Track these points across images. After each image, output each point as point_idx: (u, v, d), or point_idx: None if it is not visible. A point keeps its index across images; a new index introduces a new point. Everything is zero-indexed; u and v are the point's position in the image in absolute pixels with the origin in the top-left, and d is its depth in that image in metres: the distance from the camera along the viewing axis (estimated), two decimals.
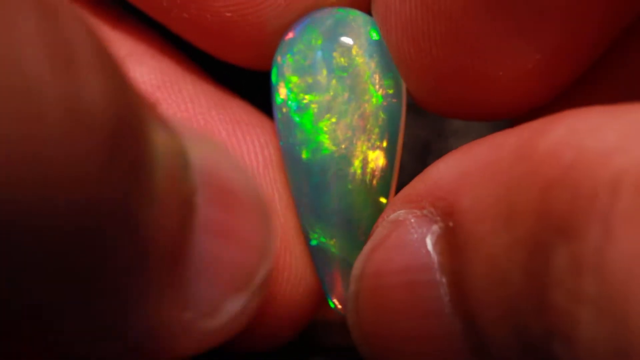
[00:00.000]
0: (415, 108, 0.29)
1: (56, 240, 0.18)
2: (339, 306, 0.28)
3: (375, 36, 0.28)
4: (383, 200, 0.28)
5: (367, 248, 0.26)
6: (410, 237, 0.24)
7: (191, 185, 0.22)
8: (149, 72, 0.29)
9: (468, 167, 0.23)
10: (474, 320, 0.23)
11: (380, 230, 0.26)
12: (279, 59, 0.28)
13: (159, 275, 0.21)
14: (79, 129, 0.17)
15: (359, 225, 0.28)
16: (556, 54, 0.25)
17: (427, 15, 0.26)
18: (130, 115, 0.19)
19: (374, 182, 0.28)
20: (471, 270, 0.22)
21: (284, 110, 0.28)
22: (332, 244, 0.28)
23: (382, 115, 0.28)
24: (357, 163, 0.28)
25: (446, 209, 0.24)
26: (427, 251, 0.24)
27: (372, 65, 0.28)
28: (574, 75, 0.27)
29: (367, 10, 0.29)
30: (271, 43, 0.29)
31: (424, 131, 0.32)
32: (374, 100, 0.28)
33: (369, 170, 0.28)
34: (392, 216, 0.25)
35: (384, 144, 0.28)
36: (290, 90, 0.28)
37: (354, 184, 0.28)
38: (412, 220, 0.25)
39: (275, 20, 0.28)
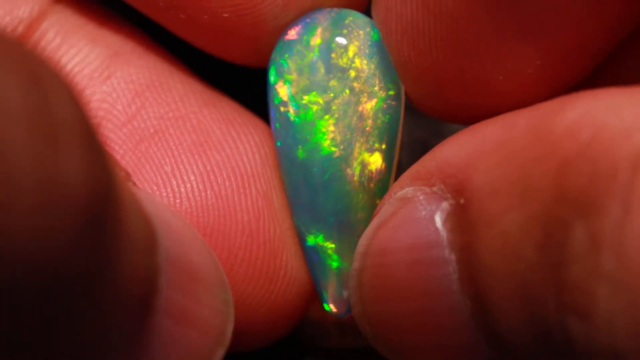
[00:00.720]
0: (413, 109, 0.29)
1: (11, 309, 0.17)
2: (334, 309, 0.28)
3: (374, 37, 0.28)
4: (379, 201, 0.28)
5: (372, 225, 0.26)
6: (418, 214, 0.24)
7: (156, 267, 0.22)
8: (136, 71, 0.29)
9: (480, 145, 0.23)
10: (483, 298, 0.23)
11: (387, 207, 0.26)
12: (277, 58, 0.28)
13: (117, 354, 0.20)
14: (52, 202, 0.17)
15: (356, 227, 0.28)
16: (557, 59, 0.25)
17: (428, 18, 0.25)
18: (106, 193, 0.18)
19: (372, 184, 0.28)
20: (482, 247, 0.22)
21: (282, 110, 0.28)
22: (329, 246, 0.28)
23: (381, 117, 0.28)
24: (355, 165, 0.28)
25: (457, 186, 0.23)
26: (436, 228, 0.24)
27: (372, 66, 0.28)
28: (574, 80, 0.27)
29: (365, 11, 0.29)
30: (268, 41, 0.29)
31: (422, 132, 0.32)
32: (373, 101, 0.28)
33: (367, 172, 0.28)
34: (400, 193, 0.25)
35: (383, 146, 0.28)
36: (288, 90, 0.28)
37: (352, 185, 0.28)
38: (421, 198, 0.24)
39: (273, 20, 0.28)
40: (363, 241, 0.26)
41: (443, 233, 0.24)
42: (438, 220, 0.24)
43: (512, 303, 0.22)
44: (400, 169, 0.28)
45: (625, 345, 0.20)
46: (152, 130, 0.28)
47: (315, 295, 0.29)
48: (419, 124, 0.31)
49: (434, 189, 0.24)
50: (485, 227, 0.22)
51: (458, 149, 0.24)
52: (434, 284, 0.24)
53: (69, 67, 0.29)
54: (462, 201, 0.23)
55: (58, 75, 0.18)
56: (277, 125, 0.28)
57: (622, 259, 0.20)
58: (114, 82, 0.29)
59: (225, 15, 0.28)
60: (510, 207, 0.22)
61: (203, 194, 0.28)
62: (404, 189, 0.25)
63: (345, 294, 0.28)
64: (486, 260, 0.22)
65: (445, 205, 0.24)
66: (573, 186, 0.20)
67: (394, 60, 0.27)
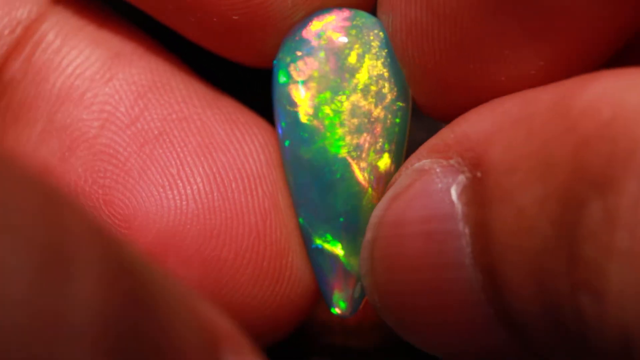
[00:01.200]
0: (415, 111, 0.29)
1: None
2: (339, 311, 0.28)
3: (384, 38, 0.28)
4: None
5: (387, 196, 0.26)
6: (434, 186, 0.24)
7: None
8: (138, 72, 0.29)
9: (500, 120, 0.23)
10: (495, 273, 0.23)
11: (403, 178, 0.26)
12: (286, 58, 0.28)
13: None
14: (52, 332, 0.16)
15: (364, 229, 0.28)
16: (560, 60, 0.25)
17: (432, 18, 0.25)
18: (129, 316, 0.17)
19: (381, 185, 0.28)
20: (498, 221, 0.22)
21: (291, 110, 0.28)
22: (336, 247, 0.28)
23: (390, 118, 0.28)
24: (364, 165, 0.28)
25: (475, 159, 0.23)
26: (452, 201, 0.24)
27: (380, 67, 0.28)
28: None
29: (372, 11, 0.29)
30: (276, 42, 0.28)
31: (425, 134, 0.32)
32: (382, 102, 0.28)
33: (375, 173, 0.28)
34: (417, 165, 0.25)
35: (392, 147, 0.28)
36: (297, 90, 0.28)
37: (361, 186, 0.28)
38: (438, 170, 0.24)
39: (281, 21, 0.28)
40: (377, 212, 0.26)
41: (458, 206, 0.24)
42: (454, 193, 0.24)
43: (524, 279, 0.22)
44: None
45: (636, 324, 0.20)
46: (156, 132, 0.28)
47: (319, 296, 0.29)
48: (421, 127, 0.31)
49: (451, 162, 0.24)
50: (501, 202, 0.22)
51: (477, 123, 0.24)
52: (447, 256, 0.24)
53: (70, 69, 0.29)
54: (478, 175, 0.23)
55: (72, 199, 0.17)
56: (285, 125, 0.28)
57: (636, 238, 0.20)
58: (116, 84, 0.29)
59: (235, 17, 0.27)
60: (528, 183, 0.22)
61: (210, 195, 0.27)
62: (421, 161, 0.25)
63: (351, 295, 0.28)
64: (500, 235, 0.22)
65: (461, 178, 0.24)
66: (591, 164, 0.21)
67: (400, 61, 0.27)
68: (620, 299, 0.20)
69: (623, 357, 0.21)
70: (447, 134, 0.25)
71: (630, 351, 0.20)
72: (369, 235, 0.26)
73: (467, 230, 0.23)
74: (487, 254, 0.23)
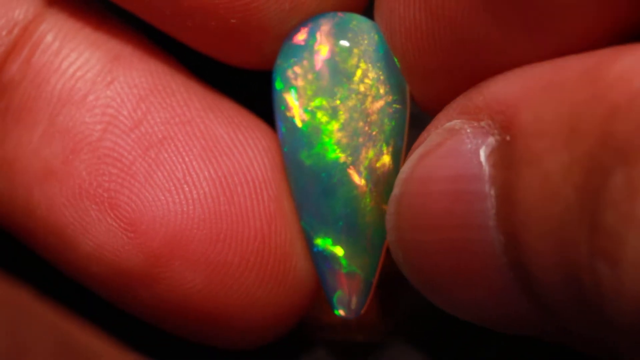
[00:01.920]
0: (413, 116, 0.29)
1: None
2: (343, 313, 0.29)
3: (379, 41, 0.28)
4: (385, 205, 0.28)
5: (417, 153, 0.26)
6: (464, 146, 0.24)
7: None
8: (139, 75, 0.29)
9: (531, 83, 0.24)
10: (518, 236, 0.23)
11: (433, 137, 0.26)
12: (282, 64, 0.28)
13: None
14: None
15: (364, 231, 0.28)
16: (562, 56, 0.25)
17: (431, 19, 0.26)
18: None
19: (379, 188, 0.28)
20: (523, 184, 0.23)
21: (288, 115, 0.28)
22: (337, 250, 0.28)
23: (387, 121, 0.28)
24: (362, 169, 0.28)
25: (504, 122, 0.24)
26: (480, 162, 0.24)
27: (377, 70, 0.28)
28: None
29: (363, 13, 0.29)
30: (273, 45, 0.29)
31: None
32: (379, 105, 0.28)
33: (373, 176, 0.28)
34: (448, 125, 0.25)
35: (389, 150, 0.28)
36: (294, 96, 0.28)
37: (359, 189, 0.28)
38: (469, 131, 0.25)
39: (278, 25, 0.28)
40: (405, 168, 0.26)
41: (486, 167, 0.24)
42: (482, 154, 0.24)
43: (546, 243, 0.22)
44: None
45: None
46: (160, 136, 0.28)
47: (320, 294, 0.29)
48: (420, 132, 0.31)
49: (482, 123, 0.24)
50: (527, 165, 0.23)
51: (507, 86, 0.24)
52: (471, 217, 0.24)
53: (71, 71, 0.29)
54: (507, 138, 0.23)
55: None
56: (284, 130, 0.28)
57: None
58: (117, 87, 0.28)
59: (232, 21, 0.27)
60: (555, 148, 0.22)
61: (216, 200, 0.28)
62: (451, 120, 0.25)
63: (354, 297, 0.29)
64: (525, 199, 0.23)
65: (491, 140, 0.24)
66: (618, 133, 0.21)
67: (399, 63, 0.27)
68: (635, 267, 0.20)
69: (636, 323, 0.21)
70: (476, 96, 0.25)
71: None
72: (396, 190, 0.26)
73: (492, 192, 0.23)
74: (510, 217, 0.23)
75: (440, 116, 0.26)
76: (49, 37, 0.29)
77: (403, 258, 0.26)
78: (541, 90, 0.23)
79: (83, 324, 0.20)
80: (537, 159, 0.22)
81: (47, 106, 0.28)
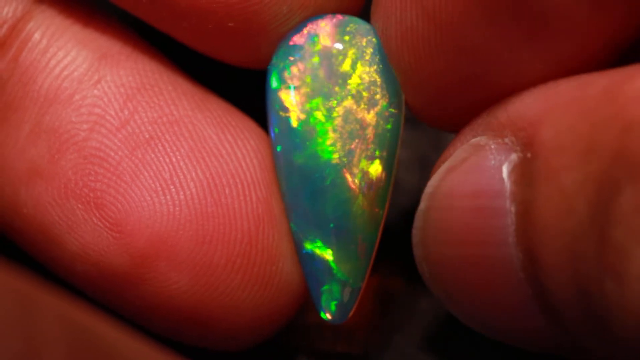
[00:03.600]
0: (411, 120, 0.29)
1: None
2: (330, 317, 0.28)
3: (377, 45, 0.28)
4: (379, 210, 0.28)
5: (444, 167, 0.26)
6: (488, 163, 0.25)
7: None
8: (126, 74, 0.28)
9: (553, 101, 0.24)
10: (535, 252, 0.23)
11: (459, 152, 0.26)
12: (279, 64, 0.28)
13: None
14: None
15: (355, 236, 0.28)
16: (559, 63, 0.25)
17: (428, 23, 0.25)
18: None
19: (372, 191, 0.28)
20: (541, 201, 0.23)
21: (283, 115, 0.28)
22: (327, 253, 0.28)
23: (382, 124, 0.28)
24: (355, 172, 0.28)
25: (526, 139, 0.24)
26: (502, 178, 0.24)
27: (373, 74, 0.28)
28: None
29: (360, 14, 0.29)
30: (271, 47, 0.28)
31: (420, 143, 0.32)
32: (374, 109, 0.28)
33: (366, 179, 0.28)
34: (474, 140, 0.26)
35: (383, 154, 0.28)
36: (290, 96, 0.28)
37: (352, 192, 0.28)
38: (493, 147, 0.25)
39: (276, 26, 0.28)
40: (432, 182, 0.26)
41: (507, 184, 0.24)
42: (505, 171, 0.24)
43: (561, 260, 0.22)
44: (398, 182, 0.29)
45: None
46: (147, 136, 0.28)
47: (307, 299, 0.29)
48: (417, 136, 0.31)
49: (506, 140, 0.24)
50: (546, 182, 0.23)
51: (530, 103, 0.24)
52: (492, 233, 0.24)
53: (58, 70, 0.28)
54: (529, 155, 0.23)
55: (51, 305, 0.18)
56: (277, 130, 0.28)
57: None
58: (104, 86, 0.28)
59: (230, 24, 0.27)
60: (572, 164, 0.22)
61: (203, 201, 0.27)
62: (477, 137, 0.26)
63: (341, 301, 0.28)
64: (542, 215, 0.23)
65: (513, 157, 0.24)
66: (631, 149, 0.21)
67: (395, 68, 0.27)
68: (639, 284, 0.20)
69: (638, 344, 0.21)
70: (500, 113, 0.25)
71: None
72: (422, 205, 0.26)
73: (513, 209, 0.24)
74: (528, 233, 0.23)
75: (467, 131, 0.26)
76: (36, 35, 0.29)
77: (429, 273, 0.26)
78: (563, 108, 0.23)
79: (104, 319, 0.19)
80: (555, 175, 0.23)
81: (33, 105, 0.28)
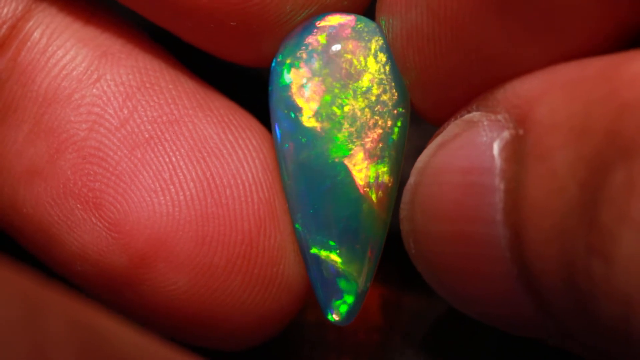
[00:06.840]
0: (414, 118, 0.29)
1: None
2: (336, 317, 0.28)
3: (381, 43, 0.28)
4: (386, 210, 0.28)
5: (435, 143, 0.26)
6: (479, 139, 0.24)
7: None
8: (126, 72, 0.28)
9: (551, 81, 0.23)
10: (521, 230, 0.23)
11: (451, 127, 0.26)
12: (287, 62, 0.28)
13: None
14: None
15: (362, 237, 0.27)
16: (565, 58, 0.25)
17: (434, 22, 0.25)
18: None
19: (379, 191, 0.28)
20: (531, 179, 0.23)
21: (290, 114, 0.28)
22: (333, 254, 0.28)
23: (389, 124, 0.28)
24: (362, 172, 0.27)
25: (520, 116, 0.24)
26: (492, 155, 0.24)
27: (379, 72, 0.28)
28: None
29: (364, 13, 0.29)
30: (273, 46, 0.28)
31: (423, 141, 0.32)
32: (381, 108, 0.28)
33: (373, 179, 0.28)
34: (467, 116, 0.25)
35: (391, 154, 0.28)
36: (298, 94, 0.28)
37: (359, 192, 0.27)
38: (485, 123, 0.24)
39: (279, 26, 0.28)
40: (423, 157, 0.26)
41: (497, 161, 0.24)
42: (496, 147, 0.24)
43: (547, 240, 0.22)
44: (402, 180, 0.28)
45: (637, 293, 0.20)
46: (147, 135, 0.28)
47: (310, 298, 0.29)
48: (420, 134, 0.31)
49: (499, 117, 0.24)
50: (537, 160, 0.23)
51: (529, 82, 0.24)
52: (480, 210, 0.24)
53: (57, 69, 0.28)
54: (521, 132, 0.23)
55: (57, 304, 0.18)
56: (282, 129, 0.28)
57: None
58: (104, 85, 0.28)
59: (232, 23, 0.27)
60: (565, 144, 0.22)
61: (203, 202, 0.27)
62: (471, 112, 0.25)
63: (348, 303, 0.28)
64: (532, 193, 0.23)
65: (505, 134, 0.24)
66: (623, 131, 0.21)
67: (400, 67, 0.27)
68: (626, 266, 0.20)
69: (622, 324, 0.21)
70: (498, 90, 0.25)
71: (629, 318, 0.20)
72: (412, 179, 0.26)
73: (502, 186, 0.23)
74: (516, 211, 0.23)
75: (462, 108, 0.26)
76: (36, 34, 0.28)
77: (415, 249, 0.26)
78: (559, 87, 0.23)
79: (112, 319, 0.19)
80: (548, 154, 0.22)
81: (32, 105, 0.28)
